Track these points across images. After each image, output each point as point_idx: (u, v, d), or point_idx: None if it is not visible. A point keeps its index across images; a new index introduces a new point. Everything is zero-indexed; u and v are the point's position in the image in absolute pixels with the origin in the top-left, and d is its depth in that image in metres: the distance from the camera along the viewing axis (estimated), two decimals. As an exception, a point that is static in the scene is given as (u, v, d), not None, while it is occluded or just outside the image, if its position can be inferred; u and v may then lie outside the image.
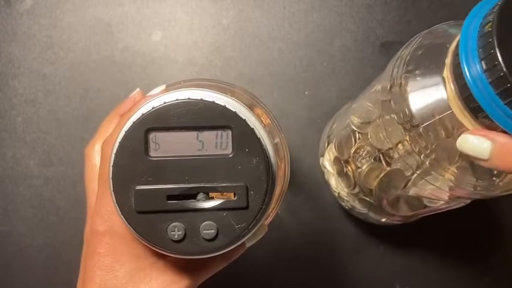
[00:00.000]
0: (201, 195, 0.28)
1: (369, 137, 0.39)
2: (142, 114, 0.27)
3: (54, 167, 0.50)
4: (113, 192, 0.27)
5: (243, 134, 0.28)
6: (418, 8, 0.50)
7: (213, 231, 0.28)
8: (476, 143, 0.29)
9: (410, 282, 0.50)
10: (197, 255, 0.28)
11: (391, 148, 0.37)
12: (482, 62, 0.28)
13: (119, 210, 0.27)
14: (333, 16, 0.50)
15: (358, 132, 0.42)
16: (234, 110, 0.28)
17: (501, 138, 0.28)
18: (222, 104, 0.27)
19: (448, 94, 0.31)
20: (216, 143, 0.28)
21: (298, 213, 0.50)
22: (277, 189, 0.30)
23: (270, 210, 0.30)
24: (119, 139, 0.27)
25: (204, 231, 0.28)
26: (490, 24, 0.28)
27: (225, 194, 0.28)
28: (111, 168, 0.27)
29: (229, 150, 0.28)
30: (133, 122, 0.27)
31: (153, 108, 0.27)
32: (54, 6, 0.50)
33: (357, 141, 0.42)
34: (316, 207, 0.50)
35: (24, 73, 0.50)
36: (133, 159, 0.27)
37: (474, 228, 0.50)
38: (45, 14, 0.50)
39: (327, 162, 0.48)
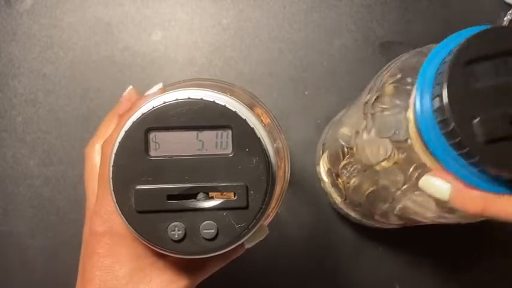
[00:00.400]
0: (201, 195, 0.28)
1: (354, 150, 0.39)
2: (142, 114, 0.27)
3: (54, 167, 0.50)
4: (113, 192, 0.27)
5: (243, 134, 0.28)
6: (418, 8, 0.50)
7: (213, 230, 0.28)
8: (437, 184, 0.30)
9: (410, 283, 0.50)
10: (197, 254, 0.28)
11: (378, 163, 0.36)
12: (435, 113, 0.28)
13: (119, 210, 0.27)
14: (333, 16, 0.50)
15: (347, 147, 0.42)
16: (234, 110, 0.28)
17: (460, 182, 0.29)
18: (222, 103, 0.27)
19: (410, 134, 0.31)
20: (216, 143, 0.28)
21: (298, 215, 0.50)
22: (277, 189, 0.30)
23: (270, 210, 0.30)
24: (119, 139, 0.27)
25: (204, 231, 0.28)
26: (442, 74, 0.28)
27: (225, 193, 0.28)
28: (111, 168, 0.27)
29: (229, 150, 0.28)
30: (133, 122, 0.27)
31: (153, 107, 0.27)
32: (54, 6, 0.50)
33: (345, 156, 0.42)
34: (315, 208, 0.50)
35: (24, 73, 0.50)
36: (133, 159, 0.27)
37: (472, 229, 0.50)
38: (45, 14, 0.50)
39: (322, 171, 0.48)
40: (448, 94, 0.27)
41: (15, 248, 0.49)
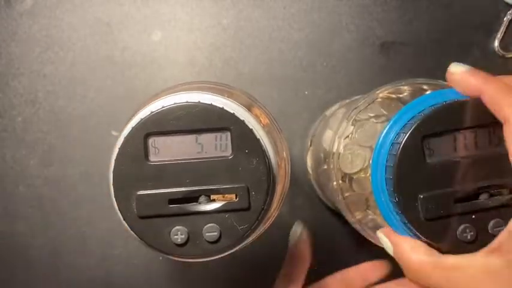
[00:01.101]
0: (202, 198, 0.28)
1: (334, 156, 0.39)
2: (141, 120, 0.27)
3: (54, 167, 0.50)
4: (114, 198, 0.27)
5: (242, 135, 0.28)
6: (418, 8, 0.50)
7: (216, 233, 0.28)
8: (383, 240, 0.32)
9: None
10: (201, 258, 0.28)
11: (356, 172, 0.36)
12: (386, 180, 0.29)
13: (121, 216, 0.27)
14: (333, 16, 0.50)
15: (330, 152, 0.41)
16: (232, 112, 0.28)
17: (403, 244, 0.30)
18: (220, 105, 0.28)
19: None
20: (215, 145, 0.28)
21: (297, 213, 0.50)
22: (279, 189, 0.31)
23: (272, 210, 0.31)
24: (118, 145, 0.27)
25: (207, 234, 0.28)
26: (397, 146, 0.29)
27: (226, 195, 0.28)
28: (111, 174, 0.27)
29: (228, 152, 0.28)
30: (132, 128, 0.27)
31: (151, 112, 0.27)
32: (54, 6, 0.50)
33: (326, 160, 0.41)
34: (315, 206, 0.50)
35: (24, 73, 0.50)
36: (133, 164, 0.27)
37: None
38: (45, 14, 0.50)
39: (308, 163, 0.47)
40: (397, 169, 0.28)
41: (15, 248, 0.49)
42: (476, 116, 0.29)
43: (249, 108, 0.29)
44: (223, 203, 0.28)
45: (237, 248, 0.28)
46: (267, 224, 0.31)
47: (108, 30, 0.50)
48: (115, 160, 0.27)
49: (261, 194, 0.28)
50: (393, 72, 0.50)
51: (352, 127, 0.36)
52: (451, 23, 0.50)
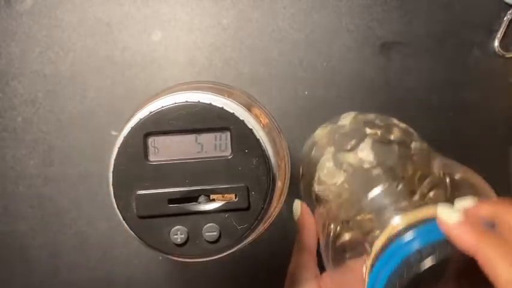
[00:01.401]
0: (202, 198, 0.28)
1: (328, 200, 0.38)
2: (140, 119, 0.27)
3: (54, 167, 0.50)
4: (113, 198, 0.27)
5: (242, 135, 0.28)
6: (418, 8, 0.50)
7: (215, 233, 0.28)
8: None
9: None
10: (200, 257, 0.28)
11: (351, 216, 0.35)
12: None
13: (120, 216, 0.27)
14: (332, 16, 0.50)
15: (321, 197, 0.40)
16: (231, 112, 0.28)
17: None
18: (220, 105, 0.28)
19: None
20: (215, 145, 0.28)
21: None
22: (278, 189, 0.31)
23: (272, 210, 0.31)
24: (118, 144, 0.27)
25: (207, 234, 0.28)
26: None
27: (226, 195, 0.28)
28: (111, 174, 0.27)
29: (228, 152, 0.28)
30: (132, 127, 0.27)
31: (150, 112, 0.27)
32: (54, 6, 0.50)
33: (321, 204, 0.40)
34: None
35: (24, 73, 0.50)
36: (133, 164, 0.27)
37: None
38: (45, 14, 0.50)
39: (301, 187, 0.47)
40: None
41: (15, 248, 0.49)
42: (472, 269, 0.26)
43: (248, 108, 0.29)
44: (223, 202, 0.28)
45: (237, 247, 0.28)
46: (267, 224, 0.31)
47: (108, 30, 0.50)
48: (115, 160, 0.27)
49: (261, 194, 0.28)
50: (393, 72, 0.50)
51: (344, 174, 0.36)
52: (451, 23, 0.50)
